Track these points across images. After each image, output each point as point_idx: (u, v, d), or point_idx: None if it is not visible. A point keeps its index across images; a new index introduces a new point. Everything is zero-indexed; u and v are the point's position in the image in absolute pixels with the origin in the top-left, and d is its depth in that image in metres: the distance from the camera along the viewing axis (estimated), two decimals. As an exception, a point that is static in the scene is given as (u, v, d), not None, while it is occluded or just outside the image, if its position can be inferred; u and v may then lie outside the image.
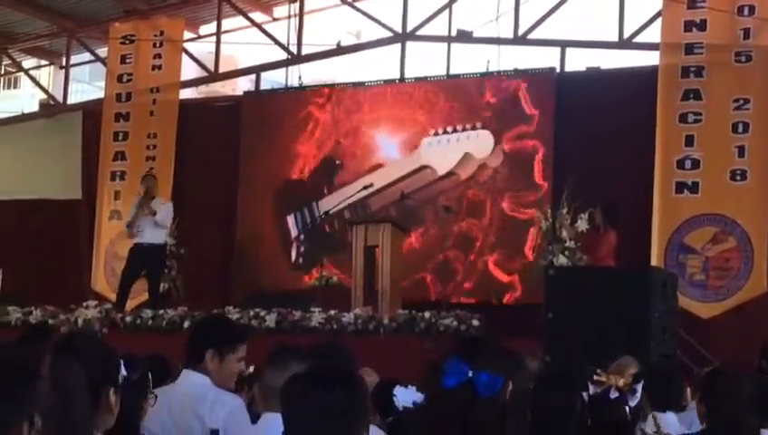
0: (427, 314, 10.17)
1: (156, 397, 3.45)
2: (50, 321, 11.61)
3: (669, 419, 4.93)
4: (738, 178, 11.77)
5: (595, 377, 3.97)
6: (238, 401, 4.02)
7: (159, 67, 15.59)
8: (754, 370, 8.42)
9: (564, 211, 10.97)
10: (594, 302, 8.44)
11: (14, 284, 13.77)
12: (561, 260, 10.68)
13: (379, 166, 14.15)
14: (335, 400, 2.43)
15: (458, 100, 13.85)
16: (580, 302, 8.54)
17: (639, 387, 4.01)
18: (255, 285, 14.29)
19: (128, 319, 11.41)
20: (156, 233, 12.31)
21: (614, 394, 3.95)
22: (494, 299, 12.88)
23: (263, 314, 10.68)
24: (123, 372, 2.81)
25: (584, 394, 3.96)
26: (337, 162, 14.48)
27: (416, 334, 9.98)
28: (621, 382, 3.96)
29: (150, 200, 12.32)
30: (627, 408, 4.01)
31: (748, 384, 4.42)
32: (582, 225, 10.81)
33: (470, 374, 2.79)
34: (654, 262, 11.61)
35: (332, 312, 10.52)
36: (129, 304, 12.50)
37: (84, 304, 11.83)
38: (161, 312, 11.43)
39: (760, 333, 10.22)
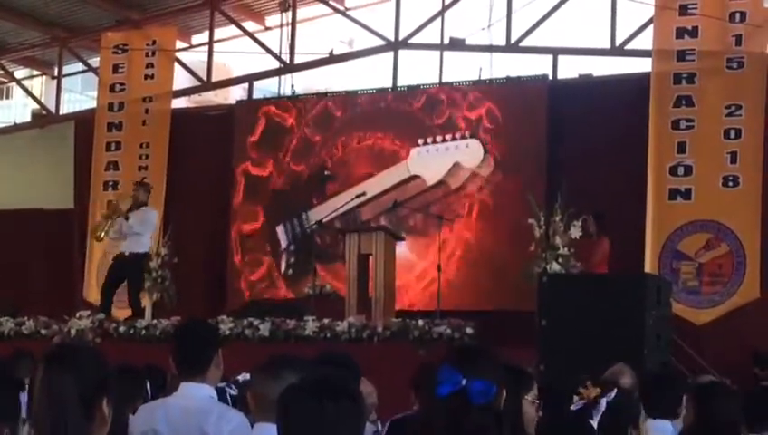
0: (420, 322, 10.16)
1: None
2: (43, 331, 11.57)
3: (664, 427, 4.91)
4: (731, 184, 11.79)
5: (580, 389, 3.95)
6: (243, 418, 3.98)
7: (152, 76, 15.58)
8: (751, 377, 8.44)
9: (557, 218, 10.94)
10: (588, 309, 8.44)
11: (7, 294, 13.72)
12: (555, 267, 10.63)
13: (369, 175, 14.14)
14: (333, 411, 2.42)
15: (450, 108, 13.85)
16: (574, 309, 8.54)
17: (604, 401, 3.98)
18: (249, 294, 14.28)
19: (121, 329, 11.36)
20: (135, 242, 12.19)
21: (577, 405, 3.93)
22: (488, 306, 12.87)
23: (257, 323, 10.65)
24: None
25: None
26: (326, 172, 14.44)
27: (409, 342, 9.97)
28: (593, 395, 3.94)
29: (127, 211, 12.25)
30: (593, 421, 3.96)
31: (735, 400, 4.46)
32: (576, 232, 10.78)
33: (464, 382, 2.79)
34: (648, 268, 11.62)
35: (326, 320, 10.50)
36: (121, 314, 12.46)
37: (77, 314, 11.78)
38: (154, 322, 11.41)
39: (752, 340, 10.25)
